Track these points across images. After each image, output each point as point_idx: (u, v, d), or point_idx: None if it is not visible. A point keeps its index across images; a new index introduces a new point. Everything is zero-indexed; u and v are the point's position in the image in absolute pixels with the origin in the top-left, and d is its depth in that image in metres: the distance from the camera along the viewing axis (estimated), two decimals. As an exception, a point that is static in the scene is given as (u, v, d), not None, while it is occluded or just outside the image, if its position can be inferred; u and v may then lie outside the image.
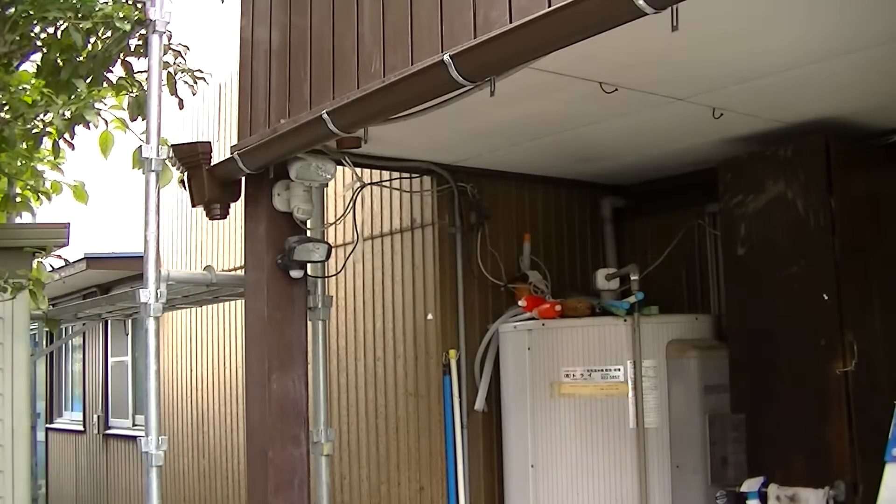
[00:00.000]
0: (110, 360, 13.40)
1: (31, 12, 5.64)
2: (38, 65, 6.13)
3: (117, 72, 6.17)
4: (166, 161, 5.48)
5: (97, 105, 5.69)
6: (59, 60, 5.98)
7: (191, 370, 10.56)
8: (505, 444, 6.37)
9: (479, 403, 6.38)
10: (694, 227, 6.79)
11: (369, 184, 6.63)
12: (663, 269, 6.62)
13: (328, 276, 6.08)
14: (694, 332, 6.08)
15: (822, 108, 5.29)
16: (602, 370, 5.81)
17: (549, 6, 3.43)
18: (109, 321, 12.60)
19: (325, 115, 4.53)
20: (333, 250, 5.86)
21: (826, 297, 5.16)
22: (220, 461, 9.75)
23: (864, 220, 5.43)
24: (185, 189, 5.76)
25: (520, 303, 6.29)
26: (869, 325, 5.26)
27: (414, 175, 6.54)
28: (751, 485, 5.25)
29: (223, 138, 9.43)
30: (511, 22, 3.62)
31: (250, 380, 5.78)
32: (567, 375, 5.91)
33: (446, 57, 3.80)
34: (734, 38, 4.12)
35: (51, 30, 5.92)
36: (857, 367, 5.06)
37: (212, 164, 5.66)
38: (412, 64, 4.15)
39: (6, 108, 5.85)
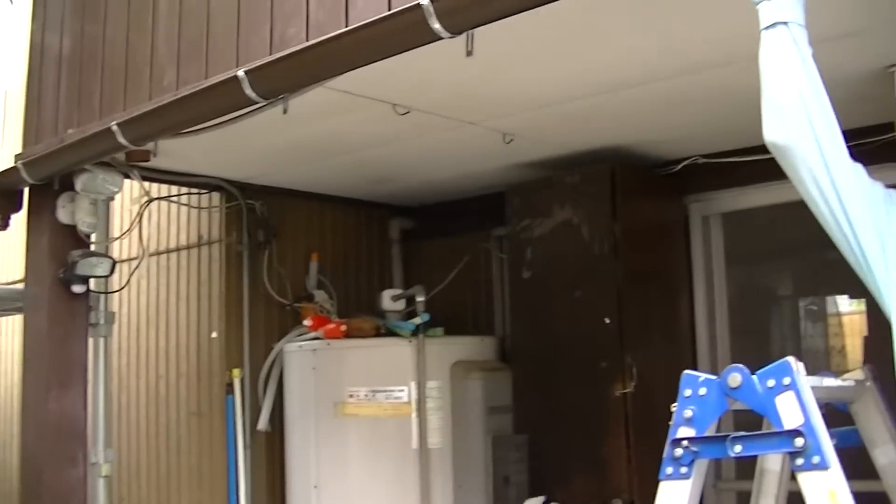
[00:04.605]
0: None
1: None
2: None
3: None
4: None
5: None
6: None
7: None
8: (288, 464, 6.31)
9: (263, 423, 6.31)
10: (481, 250, 6.88)
11: (157, 198, 6.50)
12: (450, 292, 6.68)
13: (112, 292, 5.93)
14: (479, 354, 6.16)
15: (609, 137, 5.44)
16: (386, 391, 5.80)
17: (346, 26, 3.44)
18: None
19: (114, 127, 4.42)
20: (118, 265, 5.71)
21: (608, 321, 5.30)
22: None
23: (647, 246, 5.61)
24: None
25: (305, 322, 6.26)
26: (648, 348, 5.42)
27: (203, 191, 6.45)
28: (531, 504, 5.34)
29: (6, 147, 9.11)
30: (308, 40, 3.61)
31: (27, 398, 5.57)
32: (351, 396, 5.89)
33: (241, 73, 3.77)
34: (526, 65, 4.19)
35: None
36: (636, 390, 5.20)
37: (-8, 172, 5.47)
38: (206, 78, 4.10)
39: None
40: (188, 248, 6.71)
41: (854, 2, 3.49)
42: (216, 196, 6.46)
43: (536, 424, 5.59)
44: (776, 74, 2.46)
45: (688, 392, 2.44)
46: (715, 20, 3.64)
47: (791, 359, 2.33)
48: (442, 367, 5.88)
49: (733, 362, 2.39)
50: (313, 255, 6.72)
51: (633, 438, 5.20)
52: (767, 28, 2.47)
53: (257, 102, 3.88)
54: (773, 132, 2.47)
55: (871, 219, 2.46)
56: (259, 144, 5.34)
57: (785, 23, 2.45)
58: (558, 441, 5.43)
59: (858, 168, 2.51)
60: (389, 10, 3.32)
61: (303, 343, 6.21)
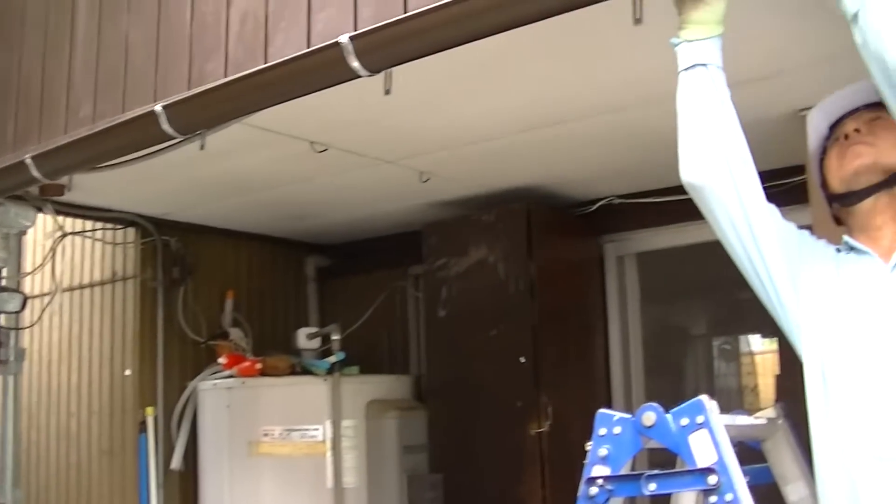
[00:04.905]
0: None
1: None
2: None
3: None
4: None
5: None
6: None
7: None
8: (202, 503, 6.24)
9: (176, 462, 6.22)
10: (397, 289, 6.88)
11: (70, 233, 6.40)
12: (366, 330, 6.67)
13: (23, 328, 5.84)
14: (394, 393, 6.14)
15: (525, 177, 5.48)
16: (301, 429, 5.77)
17: (265, 62, 3.43)
18: None
19: (28, 160, 4.34)
20: (30, 301, 5.63)
21: (523, 360, 5.31)
22: None
23: (562, 286, 5.65)
24: None
25: (220, 360, 6.20)
26: (563, 387, 5.44)
27: (118, 226, 6.37)
28: (445, 543, 5.33)
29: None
30: (226, 76, 3.59)
31: (-68, 435, 5.47)
32: (266, 434, 5.84)
33: (158, 107, 3.73)
34: (443, 104, 4.22)
35: None
36: (551, 428, 5.22)
37: None
38: (123, 112, 4.05)
39: None
40: (102, 283, 6.62)
41: (768, 46, 3.56)
42: (131, 231, 6.38)
43: (452, 464, 5.58)
44: (693, 116, 2.49)
45: (602, 431, 2.44)
46: (631, 61, 3.69)
47: (704, 397, 2.35)
48: (357, 406, 5.86)
49: (648, 401, 2.40)
50: (228, 293, 6.66)
51: (549, 477, 5.21)
52: (686, 70, 2.50)
53: (174, 138, 3.84)
54: (690, 173, 2.50)
55: (786, 260, 2.50)
56: (175, 180, 5.30)
57: (704, 64, 2.48)
58: (474, 480, 5.42)
59: (773, 209, 2.55)
60: (308, 47, 3.31)
61: (217, 381, 6.14)
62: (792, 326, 2.51)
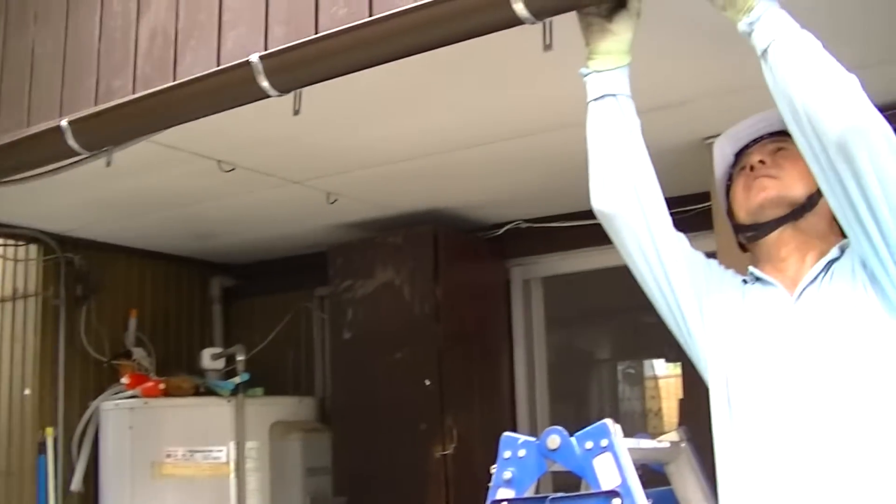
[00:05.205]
0: None
1: None
2: None
3: None
4: None
5: None
6: None
7: None
8: (102, 526, 6.14)
9: (76, 484, 6.11)
10: (303, 310, 6.85)
11: (-30, 249, 6.31)
12: (271, 351, 6.63)
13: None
14: (298, 415, 6.12)
15: (433, 200, 5.50)
16: (204, 451, 5.71)
17: (174, 80, 3.41)
18: None
19: (-73, 176, 4.28)
20: (-74, 318, 5.52)
21: (428, 383, 5.32)
22: None
23: (468, 309, 5.66)
24: None
25: (123, 380, 6.11)
26: (468, 410, 5.46)
27: (19, 242, 6.26)
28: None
29: None
30: (134, 93, 3.56)
31: None
32: (169, 456, 5.76)
33: (64, 123, 3.67)
34: (352, 126, 4.22)
35: None
36: (455, 451, 5.23)
37: None
38: (28, 127, 3.99)
39: None
40: (2, 301, 6.48)
41: (675, 75, 3.61)
42: (33, 248, 6.27)
43: (356, 486, 5.56)
44: (603, 145, 2.51)
45: (507, 454, 2.45)
46: (539, 86, 3.72)
47: (609, 421, 2.36)
48: (261, 428, 5.83)
49: (552, 424, 2.42)
50: (132, 312, 6.58)
51: (453, 500, 5.21)
52: (595, 100, 2.53)
53: (80, 154, 3.78)
54: (600, 201, 2.53)
55: (693, 288, 2.54)
56: (80, 196, 5.23)
57: (613, 95, 2.51)
58: (378, 503, 5.40)
59: (682, 238, 2.58)
60: (218, 66, 3.30)
61: (120, 401, 6.04)
62: (699, 353, 2.55)
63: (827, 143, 2.12)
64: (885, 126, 2.11)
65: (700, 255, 2.62)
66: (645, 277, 2.56)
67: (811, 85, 2.14)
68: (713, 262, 2.65)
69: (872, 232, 2.18)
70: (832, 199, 2.22)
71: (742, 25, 2.25)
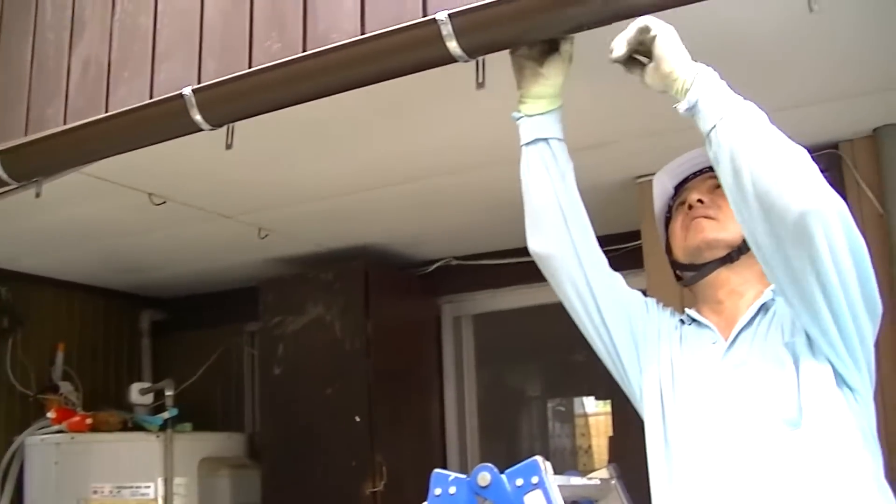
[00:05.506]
0: None
1: None
2: None
3: None
4: None
5: None
6: None
7: None
8: (24, 563, 6.04)
9: (-1, 520, 6.04)
10: (233, 345, 6.81)
11: None
12: (200, 386, 6.58)
13: None
14: (227, 451, 6.07)
15: (364, 236, 5.50)
16: (132, 487, 5.63)
17: (107, 111, 3.39)
18: None
19: None
20: None
21: (358, 419, 5.30)
22: None
23: (399, 345, 5.66)
24: None
25: (49, 414, 6.03)
26: (399, 446, 5.44)
27: (-56, 274, 6.19)
28: None
29: None
30: (66, 123, 3.53)
31: None
32: (95, 492, 5.68)
33: (-9, 153, 3.65)
34: (283, 162, 4.20)
35: None
36: (386, 488, 5.20)
37: None
38: (-45, 156, 3.94)
39: None
40: (-75, 333, 6.40)
41: (606, 115, 3.64)
42: (-43, 281, 6.20)
43: (285, 522, 5.53)
44: (536, 189, 2.54)
45: (438, 491, 2.44)
46: (471, 124, 3.73)
47: (539, 458, 2.37)
48: (190, 464, 5.76)
49: (483, 461, 2.42)
50: (59, 345, 6.49)
51: (383, 537, 5.19)
52: (527, 144, 2.55)
53: (9, 184, 3.74)
54: (535, 243, 2.56)
55: (629, 328, 2.56)
56: (7, 227, 5.15)
57: (544, 139, 2.53)
58: (307, 539, 5.38)
59: (617, 277, 2.61)
60: (151, 98, 3.28)
61: (45, 436, 5.96)
62: (634, 392, 2.57)
63: (781, 223, 2.11)
64: (840, 203, 2.10)
65: (637, 295, 2.65)
66: (580, 317, 2.58)
67: (762, 167, 2.12)
68: (651, 301, 2.67)
69: (822, 309, 2.18)
70: (781, 277, 2.21)
71: (681, 109, 2.26)
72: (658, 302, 2.69)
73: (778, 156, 2.12)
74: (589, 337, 2.61)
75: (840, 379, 2.25)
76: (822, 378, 2.25)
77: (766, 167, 2.11)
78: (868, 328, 2.23)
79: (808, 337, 2.29)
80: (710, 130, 2.20)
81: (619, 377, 2.62)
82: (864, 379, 2.27)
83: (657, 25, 2.31)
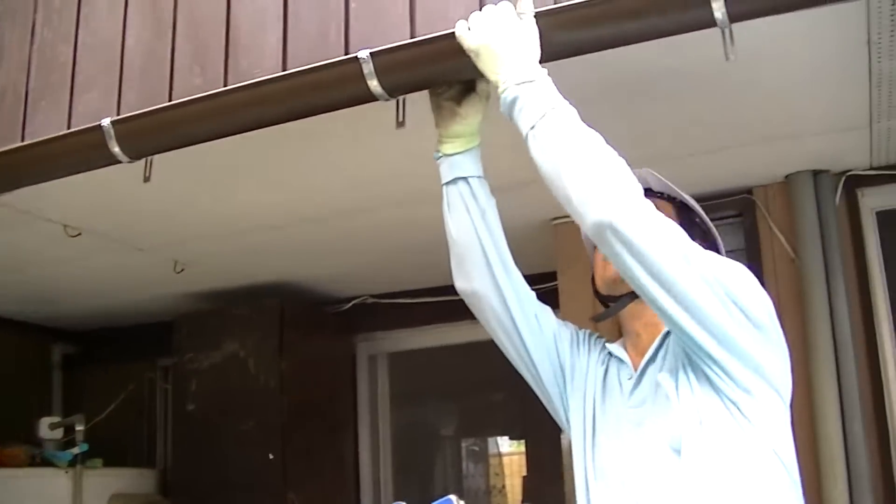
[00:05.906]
0: None
1: None
2: None
3: None
4: None
5: None
6: None
7: None
8: None
9: None
10: (146, 380, 6.74)
11: None
12: (112, 421, 6.49)
13: None
14: (139, 487, 6.00)
15: (280, 273, 5.49)
16: (39, 524, 5.56)
17: (23, 140, 3.35)
18: None
19: None
20: None
21: (271, 457, 5.27)
22: None
23: (313, 382, 5.64)
24: None
25: (-46, 448, 5.93)
26: (312, 484, 5.41)
27: None
28: None
29: None
30: (-20, 152, 3.49)
31: None
32: (0, 528, 5.61)
33: None
34: (200, 196, 4.19)
35: None
36: (298, 526, 5.19)
37: None
38: None
39: None
40: None
41: (521, 156, 3.65)
42: None
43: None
44: (458, 228, 2.55)
45: (350, 527, 2.45)
46: (389, 162, 3.75)
47: (453, 497, 2.38)
48: (100, 500, 5.70)
49: (396, 499, 2.43)
50: (-34, 377, 6.39)
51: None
52: (447, 184, 2.57)
53: (-82, 214, 3.70)
54: (460, 282, 2.59)
55: (557, 359, 2.59)
56: (-84, 257, 5.09)
57: (464, 178, 2.55)
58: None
59: (546, 310, 2.64)
60: (69, 128, 3.25)
61: (-51, 470, 5.86)
62: (564, 423, 2.60)
63: (587, 230, 2.20)
64: (638, 211, 2.14)
65: (566, 330, 2.67)
66: (509, 352, 2.61)
67: (562, 176, 2.24)
68: (583, 333, 2.70)
69: (675, 326, 2.21)
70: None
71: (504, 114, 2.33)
72: (591, 334, 2.70)
73: (574, 164, 2.21)
74: (519, 369, 2.64)
75: (730, 403, 2.24)
76: (704, 405, 2.25)
77: (565, 176, 2.22)
78: (753, 346, 2.21)
79: (692, 362, 2.30)
80: (525, 138, 2.30)
81: (549, 408, 2.65)
82: (759, 403, 2.24)
83: (474, 43, 2.39)
